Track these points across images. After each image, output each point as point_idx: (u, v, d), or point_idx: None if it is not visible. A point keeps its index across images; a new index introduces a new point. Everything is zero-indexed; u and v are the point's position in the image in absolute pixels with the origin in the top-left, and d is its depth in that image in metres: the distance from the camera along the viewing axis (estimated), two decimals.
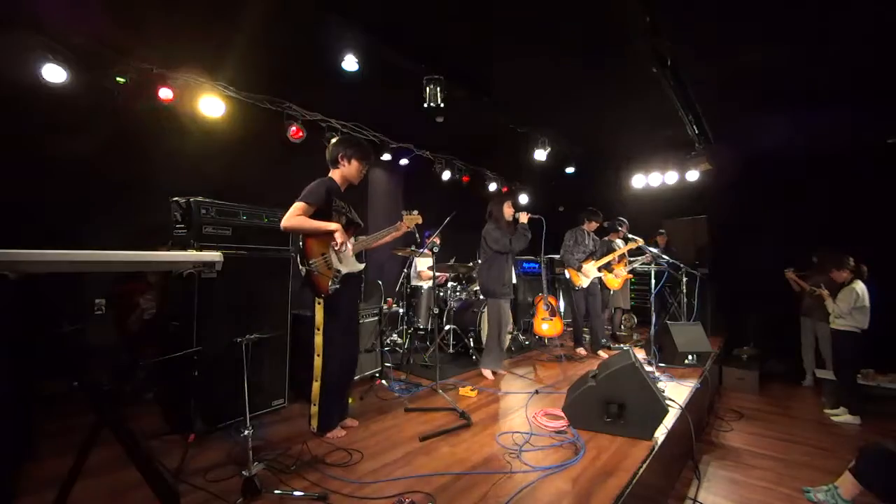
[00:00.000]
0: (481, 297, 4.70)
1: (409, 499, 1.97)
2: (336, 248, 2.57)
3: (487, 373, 4.13)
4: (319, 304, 2.62)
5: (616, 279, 5.25)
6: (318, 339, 2.63)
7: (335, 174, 2.74)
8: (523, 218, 4.02)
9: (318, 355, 2.63)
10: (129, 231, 3.40)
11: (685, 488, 3.09)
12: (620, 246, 5.29)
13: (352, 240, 2.72)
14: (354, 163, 2.73)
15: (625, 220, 5.43)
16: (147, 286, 3.56)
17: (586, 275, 4.94)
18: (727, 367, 5.64)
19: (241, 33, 3.39)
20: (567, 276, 5.04)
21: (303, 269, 2.57)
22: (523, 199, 8.58)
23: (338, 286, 2.58)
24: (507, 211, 4.10)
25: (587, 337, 5.34)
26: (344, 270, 2.63)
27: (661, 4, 3.05)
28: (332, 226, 2.54)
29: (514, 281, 4.52)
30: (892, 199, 5.45)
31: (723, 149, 5.85)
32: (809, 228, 5.87)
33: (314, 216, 2.54)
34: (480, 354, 4.69)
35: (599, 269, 5.04)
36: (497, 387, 3.87)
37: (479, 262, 4.29)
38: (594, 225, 5.13)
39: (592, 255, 5.06)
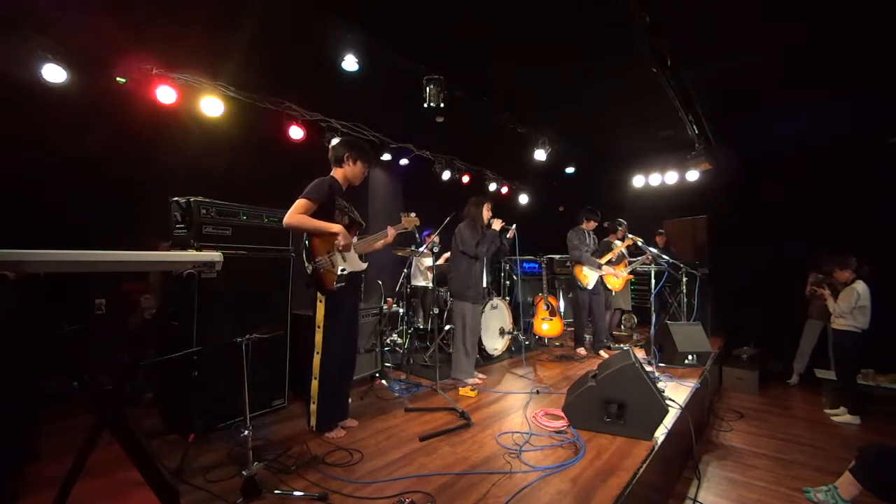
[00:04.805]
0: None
1: (409, 499, 1.97)
2: (339, 250, 2.59)
3: (461, 381, 3.84)
4: (321, 301, 2.63)
5: (617, 280, 5.25)
6: (318, 337, 2.64)
7: (337, 173, 2.75)
8: (496, 224, 3.95)
9: (318, 353, 2.64)
10: (129, 231, 3.40)
11: (685, 488, 3.09)
12: (617, 245, 5.29)
13: (354, 239, 2.72)
14: (359, 164, 2.75)
15: (623, 220, 5.43)
16: (147, 286, 3.56)
17: (591, 267, 4.94)
18: (727, 367, 5.64)
19: (241, 33, 3.39)
20: (573, 276, 5.02)
21: (309, 267, 2.58)
22: (523, 199, 8.58)
23: (343, 284, 2.59)
24: (486, 214, 4.00)
25: (588, 337, 5.34)
26: (348, 269, 2.64)
27: (661, 4, 3.05)
28: (335, 227, 2.55)
29: (485, 285, 4.28)
30: (892, 198, 5.45)
31: (723, 149, 5.85)
32: (809, 228, 5.87)
33: (319, 215, 2.54)
34: (481, 355, 4.69)
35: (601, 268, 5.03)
36: (497, 387, 3.87)
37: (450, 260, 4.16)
38: (593, 224, 5.13)
39: (594, 254, 5.07)
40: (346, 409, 2.89)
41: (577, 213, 5.19)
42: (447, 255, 5.30)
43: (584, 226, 5.11)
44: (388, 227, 2.91)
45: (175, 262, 2.12)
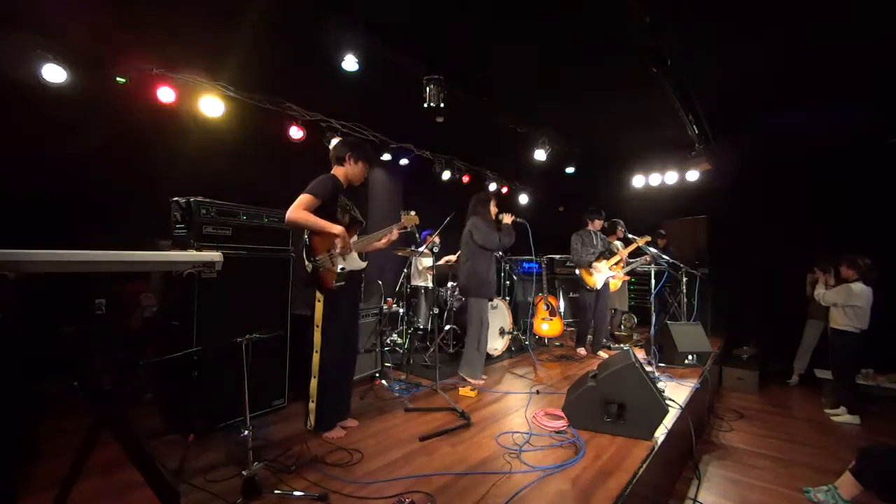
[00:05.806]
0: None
1: (409, 499, 1.97)
2: (338, 251, 2.59)
3: (468, 379, 3.88)
4: (320, 301, 2.63)
5: (614, 280, 5.24)
6: (317, 336, 2.64)
7: (338, 172, 2.75)
8: (507, 219, 3.91)
9: (316, 352, 2.64)
10: (129, 231, 3.40)
11: (685, 488, 3.09)
12: (619, 247, 5.28)
13: (354, 239, 2.72)
14: (360, 164, 2.76)
15: (620, 220, 5.42)
16: (148, 286, 3.56)
17: (598, 270, 4.92)
18: (727, 367, 5.64)
19: (242, 33, 3.39)
20: (580, 277, 5.00)
21: (308, 266, 2.57)
22: (523, 198, 8.58)
23: (342, 283, 2.59)
24: (493, 210, 3.98)
25: (588, 337, 5.33)
26: (348, 268, 2.64)
27: (661, 4, 3.05)
28: (336, 229, 2.54)
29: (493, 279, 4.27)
30: (892, 199, 5.45)
31: (723, 149, 5.85)
32: (809, 229, 5.88)
33: (322, 211, 2.54)
34: None
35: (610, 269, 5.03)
36: (497, 387, 3.87)
37: (460, 257, 4.12)
38: (598, 224, 5.08)
39: (602, 255, 5.01)
40: (346, 409, 2.89)
41: (580, 214, 5.16)
42: (448, 257, 5.30)
43: (589, 227, 5.07)
44: (393, 227, 2.92)
45: (175, 262, 2.12)
